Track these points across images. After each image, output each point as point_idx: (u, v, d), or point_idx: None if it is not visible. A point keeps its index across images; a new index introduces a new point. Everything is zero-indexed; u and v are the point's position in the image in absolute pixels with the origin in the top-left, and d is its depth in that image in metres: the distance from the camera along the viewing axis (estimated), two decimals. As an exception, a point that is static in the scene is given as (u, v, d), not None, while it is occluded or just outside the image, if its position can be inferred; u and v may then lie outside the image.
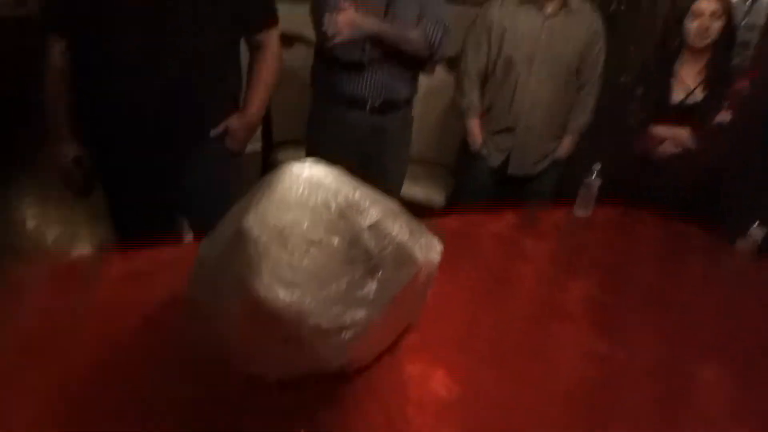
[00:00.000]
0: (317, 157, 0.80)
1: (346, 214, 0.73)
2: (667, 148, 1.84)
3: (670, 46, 1.86)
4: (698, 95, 1.81)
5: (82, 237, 2.49)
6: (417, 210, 0.94)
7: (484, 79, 2.03)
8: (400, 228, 0.80)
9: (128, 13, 1.18)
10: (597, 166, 1.61)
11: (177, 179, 1.36)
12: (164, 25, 1.20)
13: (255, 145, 2.56)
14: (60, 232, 2.51)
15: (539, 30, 1.90)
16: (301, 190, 0.72)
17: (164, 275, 1.07)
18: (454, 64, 2.18)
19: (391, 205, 0.85)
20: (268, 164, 2.61)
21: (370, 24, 1.61)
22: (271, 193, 0.72)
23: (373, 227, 0.75)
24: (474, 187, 2.18)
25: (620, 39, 2.25)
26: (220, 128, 1.37)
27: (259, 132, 2.50)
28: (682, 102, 1.82)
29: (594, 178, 1.61)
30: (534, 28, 1.90)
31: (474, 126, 2.07)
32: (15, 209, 2.68)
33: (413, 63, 1.76)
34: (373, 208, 0.76)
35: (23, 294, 0.98)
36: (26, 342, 0.87)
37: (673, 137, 1.83)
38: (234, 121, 1.39)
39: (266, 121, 2.51)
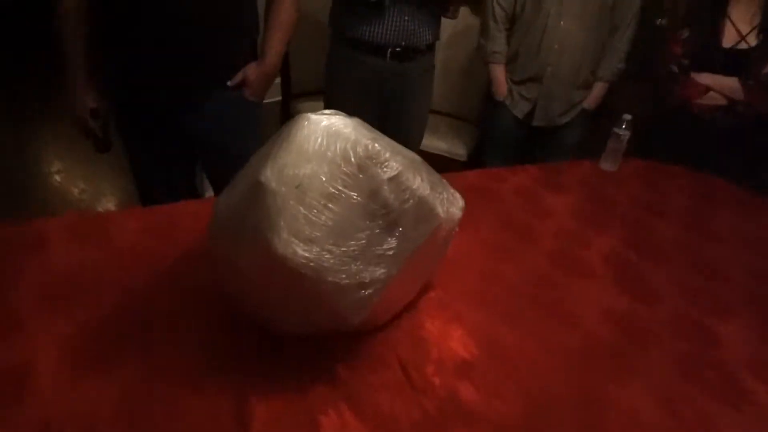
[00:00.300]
0: (335, 106, 0.77)
1: (365, 165, 0.70)
2: (712, 99, 1.68)
3: None
4: (750, 41, 1.63)
5: (106, 192, 2.53)
6: (439, 164, 0.91)
7: (511, 24, 1.93)
8: (421, 181, 0.77)
9: None
10: (627, 117, 1.53)
11: (195, 129, 1.34)
12: None
13: (275, 97, 2.52)
14: (84, 186, 2.55)
15: None
16: (319, 140, 0.69)
17: (184, 230, 1.07)
18: (479, 8, 2.08)
19: (413, 157, 0.82)
20: (288, 116, 2.57)
21: None
22: (289, 143, 0.69)
23: (394, 180, 0.72)
24: (499, 138, 2.12)
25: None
26: (237, 78, 1.34)
27: (278, 83, 2.46)
28: (732, 48, 1.65)
29: (624, 129, 1.55)
30: None
31: (499, 73, 1.99)
32: (42, 163, 2.72)
33: (436, 5, 1.67)
34: (393, 160, 0.73)
35: (48, 245, 0.99)
36: (50, 291, 0.88)
37: (720, 86, 1.66)
38: (251, 70, 1.35)
39: (285, 72, 2.47)
